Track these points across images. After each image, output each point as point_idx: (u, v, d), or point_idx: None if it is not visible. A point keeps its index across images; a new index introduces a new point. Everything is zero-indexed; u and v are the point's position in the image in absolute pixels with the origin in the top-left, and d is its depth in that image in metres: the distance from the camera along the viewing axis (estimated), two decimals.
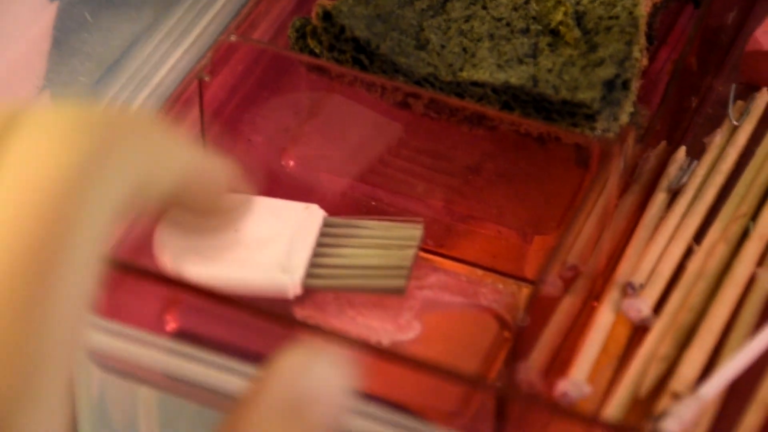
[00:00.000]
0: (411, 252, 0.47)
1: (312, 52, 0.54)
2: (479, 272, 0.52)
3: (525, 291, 0.52)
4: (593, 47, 0.53)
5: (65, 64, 0.55)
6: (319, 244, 0.47)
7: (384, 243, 0.47)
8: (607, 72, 0.51)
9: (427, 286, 0.51)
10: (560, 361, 0.49)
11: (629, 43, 0.53)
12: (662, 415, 0.45)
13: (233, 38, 0.53)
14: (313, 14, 0.53)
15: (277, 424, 0.27)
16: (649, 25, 0.57)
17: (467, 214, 0.55)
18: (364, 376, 0.45)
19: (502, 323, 0.51)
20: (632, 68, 0.53)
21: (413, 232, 0.48)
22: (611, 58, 0.52)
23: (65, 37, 0.56)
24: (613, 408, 0.47)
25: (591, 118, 0.51)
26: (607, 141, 0.49)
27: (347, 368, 0.29)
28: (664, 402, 0.46)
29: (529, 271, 0.52)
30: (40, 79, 0.56)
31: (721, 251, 0.52)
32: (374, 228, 0.48)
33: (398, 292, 0.47)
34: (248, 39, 0.53)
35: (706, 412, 0.46)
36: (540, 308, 0.48)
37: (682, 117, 0.59)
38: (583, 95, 0.51)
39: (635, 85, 0.53)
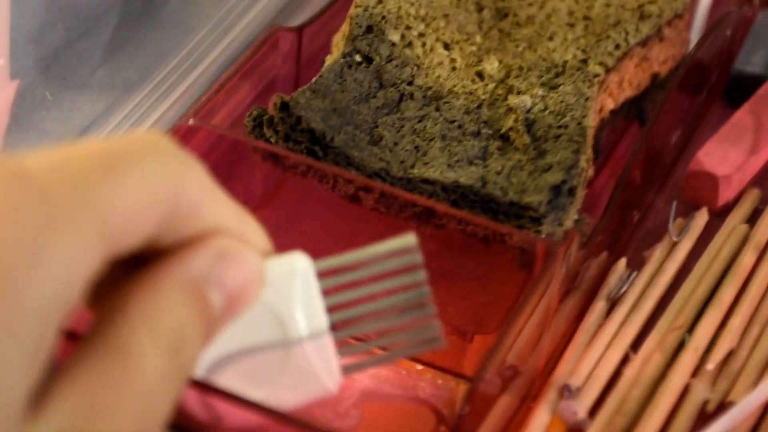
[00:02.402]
0: (422, 274, 0.41)
1: (267, 142, 0.54)
2: (419, 367, 0.53)
3: (463, 387, 0.52)
4: (542, 153, 0.55)
5: (23, 140, 0.56)
6: (328, 309, 0.40)
7: (388, 271, 0.41)
8: (554, 177, 0.53)
9: (367, 377, 0.52)
10: None
11: (576, 152, 0.54)
12: None
13: (191, 122, 0.54)
14: (271, 104, 0.54)
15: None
16: (596, 138, 0.58)
17: None
18: None
19: (440, 417, 0.51)
20: (578, 176, 0.54)
21: (407, 242, 0.41)
22: (559, 164, 0.54)
23: (24, 113, 0.57)
24: None
25: (537, 221, 0.52)
26: (551, 241, 0.51)
27: None
28: None
29: (469, 369, 0.53)
30: None
31: (657, 360, 0.53)
32: (371, 259, 0.41)
33: (438, 345, 0.41)
34: (206, 123, 0.54)
35: None
36: (478, 405, 0.48)
37: (624, 230, 0.60)
38: (530, 198, 0.52)
39: (581, 193, 0.54)
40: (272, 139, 0.54)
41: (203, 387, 0.41)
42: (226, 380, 0.40)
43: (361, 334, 0.41)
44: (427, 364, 0.53)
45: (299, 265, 0.40)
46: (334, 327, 0.41)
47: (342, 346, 0.41)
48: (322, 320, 0.40)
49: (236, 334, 0.38)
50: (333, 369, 0.41)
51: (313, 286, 0.40)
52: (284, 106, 0.54)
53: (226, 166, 0.56)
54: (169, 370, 0.29)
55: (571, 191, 0.54)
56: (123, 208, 0.28)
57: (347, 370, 0.41)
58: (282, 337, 0.40)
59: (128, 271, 0.31)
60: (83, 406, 0.27)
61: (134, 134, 0.30)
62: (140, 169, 0.29)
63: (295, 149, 0.54)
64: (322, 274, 0.40)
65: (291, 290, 0.39)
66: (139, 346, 0.28)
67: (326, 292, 0.41)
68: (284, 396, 0.41)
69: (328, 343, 0.40)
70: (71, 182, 0.28)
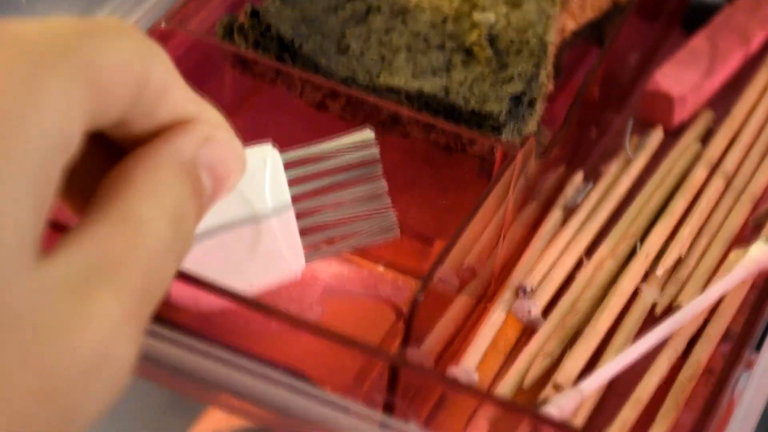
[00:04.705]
0: (378, 168, 0.45)
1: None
2: (380, 268, 0.55)
3: None
4: (503, 66, 0.57)
5: None
6: (293, 198, 0.43)
7: (347, 164, 0.44)
8: (514, 88, 0.55)
9: (331, 275, 0.54)
10: (452, 353, 0.52)
11: (537, 65, 0.56)
12: (544, 401, 0.48)
13: (164, 25, 0.55)
14: (241, 12, 0.56)
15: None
16: (557, 56, 0.60)
17: None
18: (271, 344, 0.47)
19: (399, 314, 0.53)
20: (538, 89, 0.56)
21: (365, 136, 0.45)
22: (519, 76, 0.55)
23: None
24: (498, 394, 0.49)
25: (497, 129, 0.54)
26: (510, 144, 0.53)
27: None
28: (546, 392, 0.49)
29: None
30: None
31: (609, 265, 0.55)
32: (332, 153, 0.44)
33: (393, 234, 0.46)
34: (179, 26, 0.56)
35: (585, 404, 0.49)
36: (436, 304, 0.50)
37: (582, 145, 0.62)
38: (491, 107, 0.54)
39: (540, 105, 0.57)
40: (242, 46, 0.56)
41: (186, 276, 0.43)
42: (200, 267, 0.42)
43: (322, 223, 0.44)
44: (388, 265, 0.55)
45: (270, 155, 0.42)
46: (298, 216, 0.43)
47: (304, 235, 0.43)
48: (289, 207, 0.42)
49: (212, 219, 0.41)
50: (298, 253, 0.43)
51: (282, 175, 0.42)
52: (254, 14, 0.55)
53: (196, 75, 0.58)
54: (172, 239, 0.30)
55: (531, 103, 0.56)
56: (105, 67, 0.30)
57: (310, 256, 0.44)
58: (253, 221, 0.42)
59: (103, 165, 0.32)
60: (94, 258, 0.28)
61: (99, 17, 0.32)
62: (114, 40, 0.31)
63: (265, 56, 0.55)
64: (287, 165, 0.43)
65: (263, 177, 0.42)
66: (146, 213, 0.30)
67: (290, 183, 0.43)
68: (254, 279, 0.43)
69: (294, 228, 0.43)
70: (57, 38, 0.29)
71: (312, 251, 0.44)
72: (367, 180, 0.45)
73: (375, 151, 0.45)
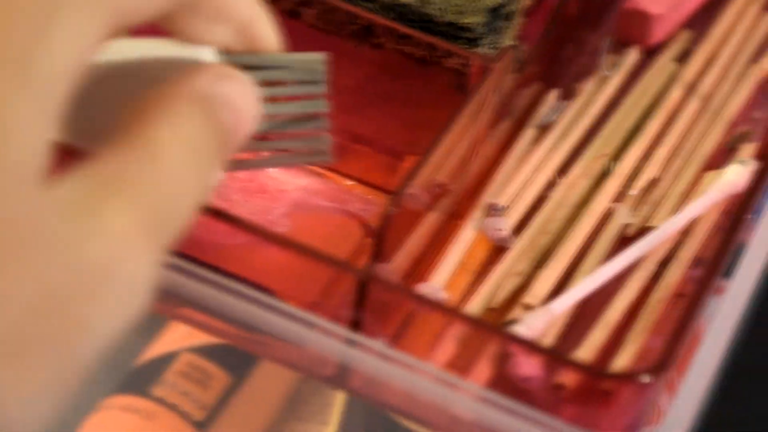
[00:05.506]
0: (323, 87, 0.41)
1: None
2: (350, 182, 0.54)
3: None
4: None
5: None
6: None
7: (292, 79, 0.41)
8: (492, 0, 0.53)
9: (298, 189, 0.52)
10: (421, 270, 0.51)
11: None
12: (514, 320, 0.47)
13: None
14: None
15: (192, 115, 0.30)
16: None
17: (344, 128, 0.56)
18: (236, 257, 0.46)
19: (367, 230, 0.52)
20: (516, 1, 0.55)
21: (318, 56, 0.41)
22: None
23: None
24: (467, 313, 0.49)
25: (473, 42, 0.53)
26: (486, 57, 0.51)
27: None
28: (516, 312, 0.49)
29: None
30: None
31: (582, 185, 0.54)
32: (277, 65, 0.41)
33: (326, 159, 0.42)
34: None
35: (554, 324, 0.48)
36: (406, 220, 0.49)
37: (558, 63, 0.61)
38: (468, 19, 0.53)
39: (518, 19, 0.55)
40: None
41: None
42: None
43: (256, 133, 0.42)
44: (357, 180, 0.54)
45: (208, 57, 0.40)
46: None
47: None
48: None
49: None
50: None
51: None
52: None
53: None
54: (190, 168, 0.29)
55: (509, 16, 0.54)
56: None
57: (234, 166, 0.42)
58: None
59: None
60: (105, 176, 0.27)
61: None
62: None
63: None
64: None
65: None
66: (161, 139, 0.29)
67: None
68: None
69: None
70: None
71: (234, 159, 0.42)
72: (308, 98, 0.43)
73: (324, 71, 0.42)
